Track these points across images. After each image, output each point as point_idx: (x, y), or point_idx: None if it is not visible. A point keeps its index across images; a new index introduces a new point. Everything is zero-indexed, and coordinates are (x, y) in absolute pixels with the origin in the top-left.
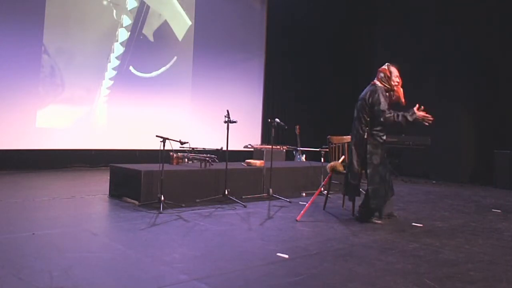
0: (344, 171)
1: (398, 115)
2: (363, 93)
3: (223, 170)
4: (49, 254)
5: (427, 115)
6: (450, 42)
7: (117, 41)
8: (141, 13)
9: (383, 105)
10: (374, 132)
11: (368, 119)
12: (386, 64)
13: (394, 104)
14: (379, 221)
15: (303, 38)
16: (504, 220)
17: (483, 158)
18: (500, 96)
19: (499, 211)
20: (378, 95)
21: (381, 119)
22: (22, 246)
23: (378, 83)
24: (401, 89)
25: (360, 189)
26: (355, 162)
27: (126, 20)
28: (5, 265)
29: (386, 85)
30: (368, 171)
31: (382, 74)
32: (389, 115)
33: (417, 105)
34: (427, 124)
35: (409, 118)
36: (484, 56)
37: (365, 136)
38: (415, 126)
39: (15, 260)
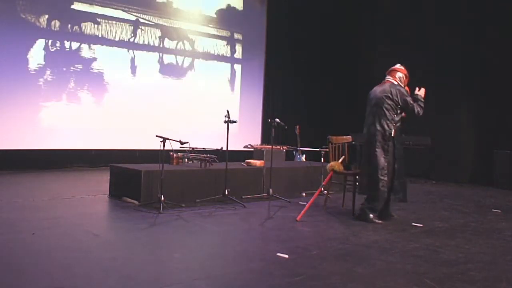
0: (344, 171)
1: (420, 106)
2: (381, 89)
3: (223, 170)
4: (49, 254)
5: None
6: (449, 41)
7: (118, 41)
8: (142, 14)
9: (411, 99)
10: (397, 127)
11: (394, 115)
12: (398, 64)
13: None
14: (380, 221)
15: (303, 38)
16: (504, 220)
17: (483, 158)
18: (500, 96)
19: (499, 211)
20: (403, 92)
21: (416, 112)
22: (22, 246)
23: (394, 82)
24: (408, 89)
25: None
26: (383, 159)
27: (127, 21)
28: (5, 265)
29: (401, 85)
30: (396, 166)
31: (400, 74)
32: (418, 108)
33: (417, 88)
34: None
35: (421, 104)
36: (484, 56)
37: (392, 134)
38: (415, 126)
39: (15, 260)
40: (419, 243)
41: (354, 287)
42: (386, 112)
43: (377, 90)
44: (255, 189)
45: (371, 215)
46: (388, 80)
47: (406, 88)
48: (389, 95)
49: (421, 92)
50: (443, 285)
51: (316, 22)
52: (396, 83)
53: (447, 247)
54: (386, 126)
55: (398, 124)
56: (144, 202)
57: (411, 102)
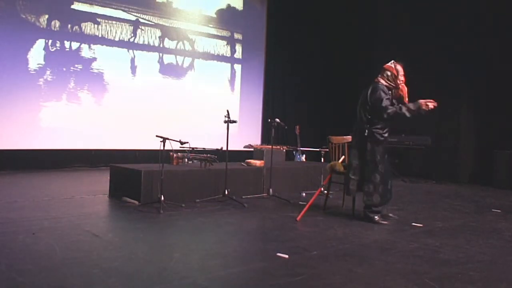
0: (344, 171)
1: (400, 107)
2: (364, 91)
3: (223, 170)
4: (49, 254)
5: (429, 100)
6: (450, 41)
7: (118, 41)
8: (142, 14)
9: (384, 102)
10: (374, 129)
11: (369, 116)
12: (392, 61)
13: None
14: (385, 222)
15: (303, 38)
16: (504, 220)
17: (483, 158)
18: (500, 96)
19: (499, 211)
20: (379, 93)
21: (384, 116)
22: (22, 246)
23: (381, 80)
24: (406, 88)
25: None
26: (356, 159)
27: (127, 21)
28: (5, 265)
29: (392, 84)
30: (368, 169)
31: (388, 73)
32: (390, 109)
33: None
34: (431, 107)
35: (412, 107)
36: (484, 56)
37: (366, 134)
38: (415, 126)
39: (15, 260)
40: (419, 243)
41: (354, 287)
42: (363, 112)
43: (364, 91)
44: (255, 189)
45: (375, 217)
46: (376, 79)
47: (401, 86)
48: (367, 95)
49: (423, 102)
50: (443, 285)
51: (316, 21)
52: (380, 81)
53: (447, 247)
54: (362, 127)
55: (378, 126)
56: (144, 202)
57: (384, 103)
